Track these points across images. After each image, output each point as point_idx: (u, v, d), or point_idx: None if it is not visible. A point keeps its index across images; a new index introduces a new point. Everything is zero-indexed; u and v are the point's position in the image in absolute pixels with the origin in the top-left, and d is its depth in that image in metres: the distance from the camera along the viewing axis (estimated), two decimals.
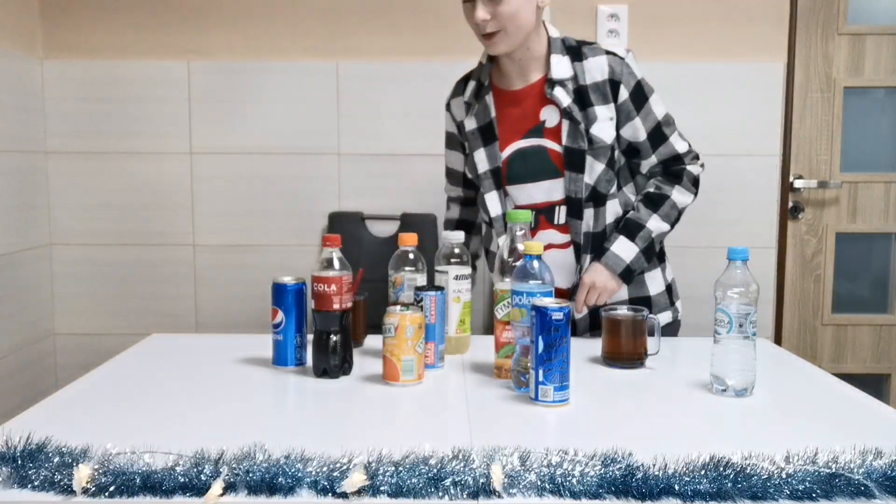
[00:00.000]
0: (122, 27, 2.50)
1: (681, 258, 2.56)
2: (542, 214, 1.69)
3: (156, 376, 1.40)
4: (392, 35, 2.49)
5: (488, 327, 1.77)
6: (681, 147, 1.73)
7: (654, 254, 1.72)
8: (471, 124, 1.74)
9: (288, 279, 1.43)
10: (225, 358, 1.51)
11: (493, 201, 1.72)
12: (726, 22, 2.49)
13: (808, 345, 2.66)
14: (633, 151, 1.72)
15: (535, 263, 1.32)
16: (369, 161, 2.52)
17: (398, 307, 1.34)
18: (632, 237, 1.68)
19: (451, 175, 1.89)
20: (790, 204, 2.60)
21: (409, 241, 1.54)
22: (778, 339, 2.60)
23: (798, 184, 2.59)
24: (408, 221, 2.48)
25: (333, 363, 1.36)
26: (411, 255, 1.53)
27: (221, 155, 2.52)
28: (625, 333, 1.47)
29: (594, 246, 1.69)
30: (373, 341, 1.59)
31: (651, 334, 1.48)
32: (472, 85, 1.77)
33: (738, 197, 2.51)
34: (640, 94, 1.69)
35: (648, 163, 1.73)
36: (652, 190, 1.73)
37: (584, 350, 1.58)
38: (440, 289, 1.46)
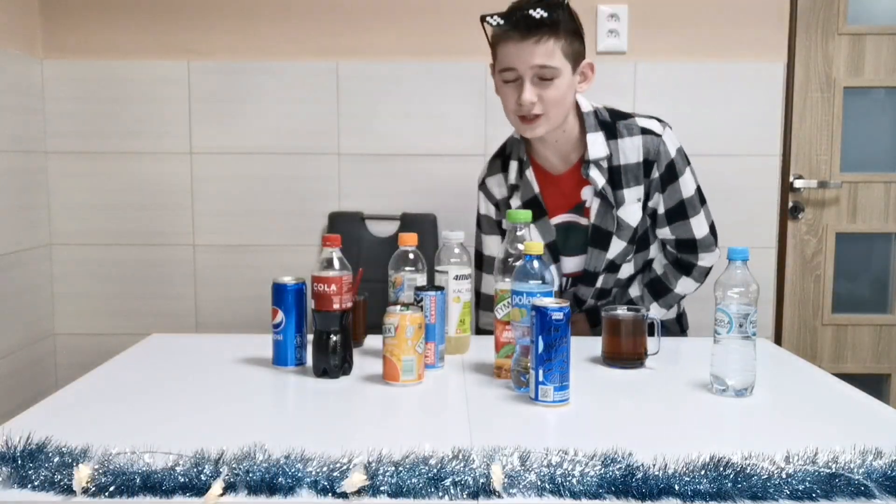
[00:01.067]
0: (122, 27, 2.50)
1: None
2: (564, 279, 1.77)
3: (156, 376, 1.40)
4: (392, 35, 2.49)
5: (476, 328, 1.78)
6: (699, 232, 1.73)
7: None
8: (515, 202, 1.75)
9: (288, 279, 1.43)
10: (225, 358, 1.50)
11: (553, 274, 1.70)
12: (726, 22, 2.49)
13: (808, 345, 2.66)
14: (652, 218, 1.74)
15: (535, 263, 1.32)
16: (369, 161, 2.52)
17: (398, 307, 1.34)
18: None
19: (487, 264, 1.80)
20: (790, 204, 2.60)
21: (409, 241, 1.54)
22: (778, 339, 2.60)
23: (798, 184, 2.59)
24: (408, 221, 2.48)
25: (333, 363, 1.36)
26: (411, 255, 1.53)
27: (221, 155, 2.52)
28: (625, 333, 1.47)
29: (601, 291, 1.76)
30: (373, 341, 1.59)
31: (651, 334, 1.48)
32: (514, 165, 1.75)
33: (738, 197, 2.51)
34: (672, 173, 1.69)
35: (663, 233, 1.75)
36: (659, 276, 1.78)
37: (584, 350, 1.58)
38: (440, 289, 1.46)
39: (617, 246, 1.69)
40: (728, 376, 1.29)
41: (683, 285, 1.78)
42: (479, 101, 2.49)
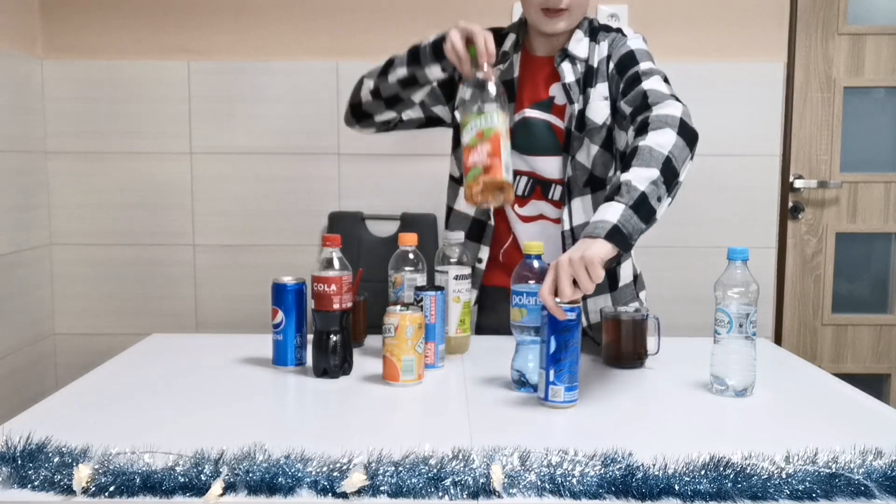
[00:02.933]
0: (122, 27, 2.50)
1: (680, 258, 2.56)
2: (539, 185, 1.66)
3: (156, 376, 1.40)
4: (392, 35, 2.49)
5: (476, 328, 1.75)
6: (653, 88, 1.51)
7: (653, 211, 1.30)
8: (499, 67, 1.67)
9: (288, 279, 1.43)
10: (225, 358, 1.51)
11: (548, 167, 1.64)
12: (726, 22, 2.49)
13: (808, 345, 2.66)
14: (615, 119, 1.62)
15: (535, 263, 1.31)
16: (369, 161, 2.52)
17: (398, 307, 1.34)
18: (611, 198, 1.30)
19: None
20: (790, 204, 2.60)
21: (409, 241, 1.54)
22: (778, 339, 2.61)
23: (798, 184, 2.59)
24: (408, 221, 2.48)
25: (333, 363, 1.36)
26: (411, 255, 1.53)
27: (221, 155, 2.52)
28: (625, 333, 1.47)
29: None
30: (373, 341, 1.59)
31: (651, 334, 1.48)
32: (511, 38, 1.70)
33: (738, 197, 2.51)
34: (629, 57, 1.59)
35: (623, 111, 1.56)
36: (627, 154, 1.42)
37: (584, 350, 1.58)
38: (440, 289, 1.46)
39: (590, 149, 1.60)
40: (728, 376, 1.29)
41: (652, 137, 1.38)
42: None
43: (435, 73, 1.56)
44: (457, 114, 1.46)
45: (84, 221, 2.54)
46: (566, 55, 1.63)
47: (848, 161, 2.62)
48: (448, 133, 2.68)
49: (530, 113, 1.66)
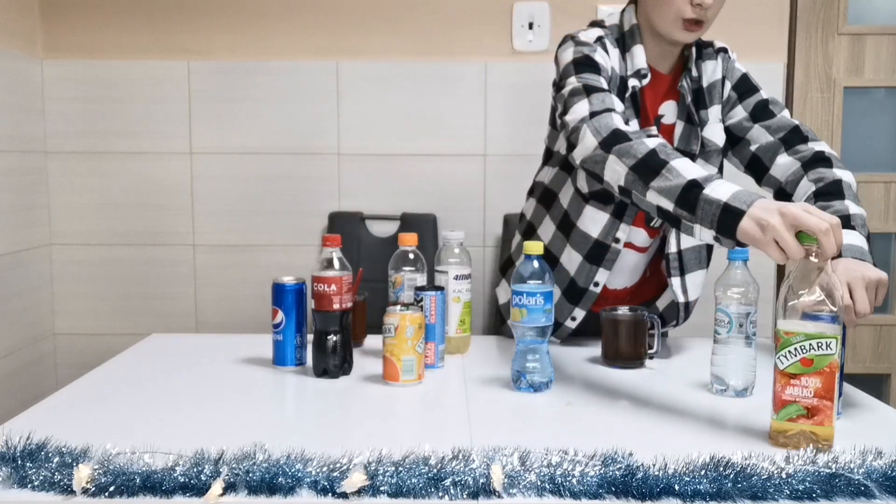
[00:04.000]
0: (122, 27, 2.50)
1: None
2: (643, 211, 1.41)
3: (156, 376, 1.40)
4: (392, 35, 2.49)
5: (488, 327, 1.76)
6: (798, 121, 1.60)
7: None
8: (630, 89, 1.53)
9: (288, 279, 1.43)
10: (225, 358, 1.51)
11: None
12: (726, 22, 2.49)
13: None
14: (733, 141, 1.60)
15: (535, 263, 1.31)
16: (369, 161, 2.52)
17: (398, 307, 1.34)
18: (848, 226, 1.40)
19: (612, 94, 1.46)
20: None
21: (409, 241, 1.54)
22: None
23: None
24: (408, 221, 2.48)
25: (333, 363, 1.36)
26: (411, 255, 1.53)
27: (221, 155, 2.52)
28: (625, 333, 1.47)
29: (708, 258, 1.60)
30: (373, 341, 1.59)
31: (651, 334, 1.48)
32: (640, 51, 1.53)
33: None
34: (747, 81, 1.62)
35: (766, 147, 1.56)
36: (816, 183, 1.49)
37: (584, 350, 1.58)
38: (440, 289, 1.46)
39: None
40: (728, 376, 1.29)
41: (841, 173, 1.49)
42: (479, 101, 2.49)
43: (706, 237, 1.20)
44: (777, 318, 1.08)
45: (84, 221, 2.54)
46: (687, 73, 1.56)
47: (848, 161, 2.62)
48: (448, 134, 2.68)
49: (651, 132, 1.54)
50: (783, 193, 1.56)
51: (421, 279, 1.52)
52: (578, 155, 1.37)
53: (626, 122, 1.38)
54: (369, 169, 2.53)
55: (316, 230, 2.54)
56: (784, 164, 1.56)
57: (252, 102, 2.50)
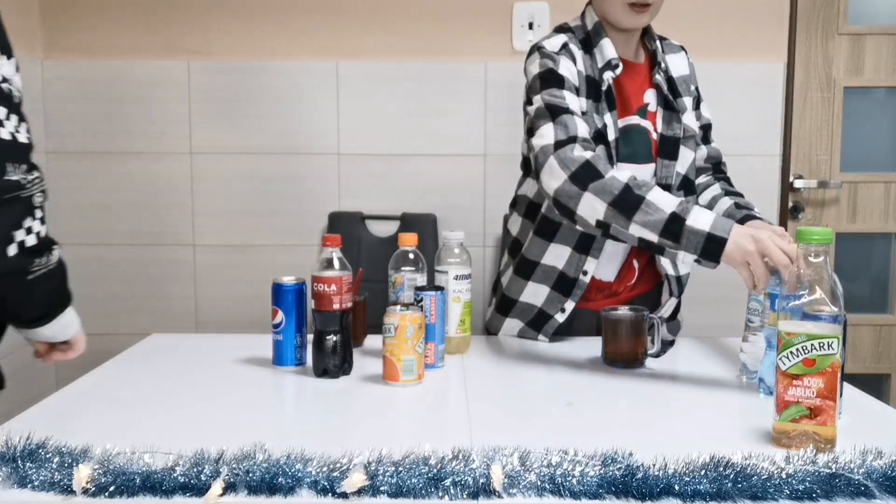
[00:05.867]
0: (122, 27, 2.50)
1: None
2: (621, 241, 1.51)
3: (156, 376, 1.40)
4: (392, 35, 2.49)
5: (491, 322, 1.76)
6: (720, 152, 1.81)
7: None
8: (605, 84, 1.58)
9: (288, 279, 1.43)
10: (225, 358, 1.50)
11: (644, 173, 1.60)
12: (726, 22, 2.49)
13: None
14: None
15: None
16: (369, 161, 2.52)
17: (398, 307, 1.34)
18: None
19: (579, 116, 1.51)
20: (790, 204, 2.60)
21: (409, 241, 1.54)
22: None
23: (798, 184, 2.59)
24: (408, 221, 2.48)
25: (333, 363, 1.36)
26: (411, 255, 1.53)
27: (221, 155, 2.52)
28: (625, 333, 1.47)
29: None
30: (373, 341, 1.59)
31: (651, 334, 1.48)
32: (608, 43, 1.59)
33: None
34: (698, 91, 1.76)
35: (701, 152, 1.75)
36: (733, 191, 1.75)
37: (584, 350, 1.58)
38: (440, 289, 1.46)
39: (686, 156, 1.64)
40: (758, 364, 1.29)
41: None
42: (479, 101, 2.49)
43: (688, 260, 1.45)
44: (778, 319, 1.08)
45: (84, 221, 2.54)
46: (657, 65, 1.65)
47: (848, 161, 2.62)
48: (448, 134, 2.68)
49: (636, 120, 1.62)
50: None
51: (421, 279, 1.52)
52: (548, 187, 1.44)
53: (587, 150, 1.45)
54: (369, 169, 2.52)
55: (316, 230, 2.54)
56: (703, 182, 1.78)
57: (252, 102, 2.50)
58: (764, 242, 1.24)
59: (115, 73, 2.50)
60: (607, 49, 1.59)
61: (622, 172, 1.41)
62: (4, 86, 1.19)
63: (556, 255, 1.63)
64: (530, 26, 2.45)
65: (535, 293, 1.66)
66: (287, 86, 2.50)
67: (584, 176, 1.39)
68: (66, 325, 1.30)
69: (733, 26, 2.49)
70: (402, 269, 1.52)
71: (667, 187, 1.61)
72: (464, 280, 1.53)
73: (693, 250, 1.30)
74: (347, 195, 2.53)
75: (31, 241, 1.13)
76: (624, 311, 1.49)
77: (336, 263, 1.37)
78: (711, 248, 1.28)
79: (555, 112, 1.49)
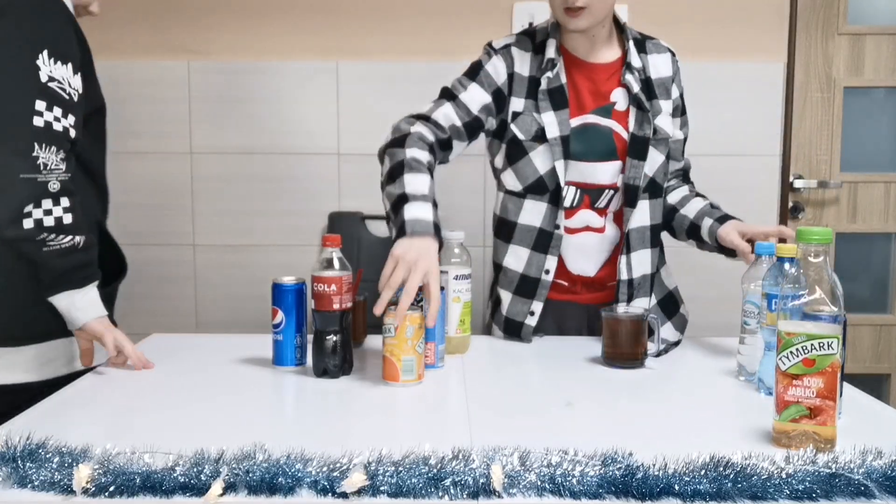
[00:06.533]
0: (122, 27, 2.50)
1: (681, 258, 2.55)
2: (588, 195, 1.64)
3: (156, 376, 1.40)
4: (392, 35, 2.49)
5: (489, 328, 1.76)
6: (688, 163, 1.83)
7: None
8: (543, 83, 1.63)
9: (288, 279, 1.43)
10: (225, 358, 1.50)
11: (560, 170, 1.61)
12: (726, 22, 2.49)
13: None
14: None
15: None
16: (369, 161, 2.50)
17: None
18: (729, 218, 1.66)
19: (459, 106, 1.64)
20: (790, 204, 2.60)
21: None
22: None
23: (798, 184, 2.59)
24: None
25: (333, 363, 1.36)
26: None
27: (221, 155, 2.52)
28: (625, 333, 1.47)
29: (652, 239, 1.69)
30: (373, 341, 1.59)
31: (651, 334, 1.48)
32: (552, 43, 1.64)
33: (738, 197, 2.50)
34: (683, 100, 1.75)
35: (674, 164, 1.75)
36: (702, 194, 1.78)
37: (584, 350, 1.58)
38: (440, 289, 1.46)
39: (655, 158, 1.64)
40: (755, 365, 1.30)
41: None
42: None
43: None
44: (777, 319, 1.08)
45: None
46: (629, 67, 1.65)
47: (848, 161, 2.62)
48: None
49: (593, 118, 1.64)
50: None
51: None
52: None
53: (441, 131, 1.62)
54: (369, 169, 2.51)
55: (316, 230, 2.54)
56: (672, 185, 1.79)
57: (252, 102, 2.50)
58: (413, 272, 1.33)
59: (115, 73, 2.50)
60: (549, 49, 1.64)
61: (417, 151, 1.53)
62: (52, 85, 1.41)
63: (517, 257, 1.66)
64: (530, 26, 2.45)
65: (504, 300, 1.69)
66: (287, 86, 2.50)
67: (393, 142, 1.57)
68: (78, 307, 1.43)
69: (733, 26, 2.49)
70: None
71: (634, 188, 1.63)
72: (464, 280, 1.53)
73: (393, 232, 1.44)
74: (347, 195, 2.53)
75: (48, 221, 1.36)
76: (624, 311, 1.49)
77: (336, 263, 1.37)
78: (397, 235, 1.42)
79: (446, 95, 1.67)
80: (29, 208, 1.34)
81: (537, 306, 1.64)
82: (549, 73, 1.63)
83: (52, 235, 1.37)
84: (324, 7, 2.49)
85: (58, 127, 1.40)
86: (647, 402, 1.29)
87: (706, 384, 1.34)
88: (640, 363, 1.47)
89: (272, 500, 0.89)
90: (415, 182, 1.48)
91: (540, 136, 1.61)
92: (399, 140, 1.57)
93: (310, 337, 1.43)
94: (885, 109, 2.64)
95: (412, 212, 1.43)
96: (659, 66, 1.69)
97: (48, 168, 1.37)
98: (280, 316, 1.42)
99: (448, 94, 1.66)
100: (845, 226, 2.64)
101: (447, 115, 1.63)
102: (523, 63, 1.65)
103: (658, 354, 1.48)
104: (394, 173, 1.51)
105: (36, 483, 0.91)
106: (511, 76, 1.65)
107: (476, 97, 1.64)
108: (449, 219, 2.48)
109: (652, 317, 1.48)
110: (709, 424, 1.17)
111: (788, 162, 2.54)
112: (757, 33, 2.49)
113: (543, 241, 1.63)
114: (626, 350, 1.47)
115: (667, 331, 1.70)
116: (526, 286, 1.65)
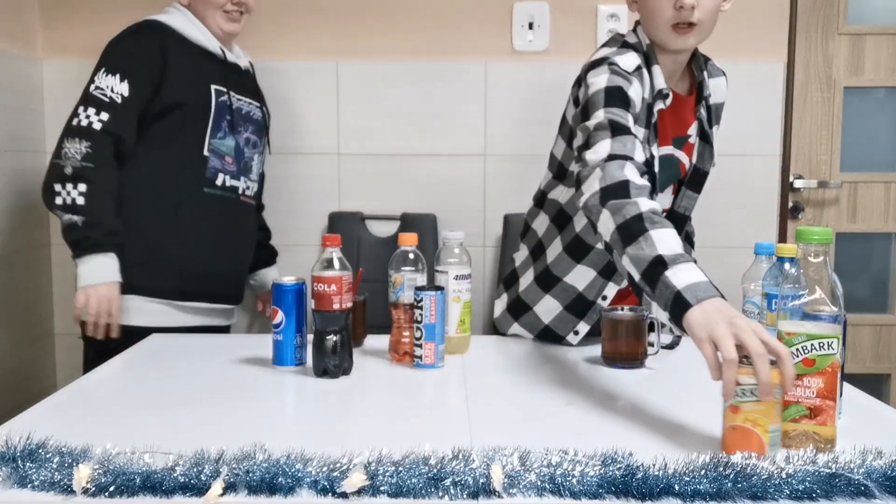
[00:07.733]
0: (123, 27, 2.50)
1: None
2: None
3: (156, 376, 1.40)
4: (392, 35, 2.49)
5: (488, 327, 1.76)
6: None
7: None
8: (655, 115, 1.53)
9: (288, 279, 1.43)
10: (225, 358, 1.51)
11: (664, 202, 1.58)
12: (726, 22, 2.48)
13: None
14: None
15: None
16: (369, 161, 2.52)
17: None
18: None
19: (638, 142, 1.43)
20: (790, 204, 2.60)
21: (409, 241, 1.54)
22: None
23: (798, 184, 2.59)
24: (408, 221, 2.48)
25: (333, 363, 1.36)
26: (411, 255, 1.53)
27: None
28: (625, 333, 1.47)
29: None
30: (373, 341, 1.59)
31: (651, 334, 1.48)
32: (658, 71, 1.52)
33: (739, 196, 2.51)
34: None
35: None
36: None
37: (584, 350, 1.58)
38: (440, 289, 1.46)
39: (703, 185, 1.64)
40: None
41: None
42: (479, 101, 2.49)
43: (661, 317, 1.41)
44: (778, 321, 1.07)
45: None
46: (704, 100, 1.61)
47: (848, 161, 2.62)
48: (448, 134, 2.68)
49: (671, 150, 1.61)
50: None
51: (421, 279, 1.52)
52: (581, 197, 1.36)
53: (642, 175, 1.35)
54: (369, 169, 2.52)
55: (316, 230, 2.54)
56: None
57: None
58: (740, 328, 1.03)
59: None
60: (658, 78, 1.51)
61: (649, 202, 1.27)
62: (96, 92, 1.89)
63: (580, 276, 1.61)
64: (530, 26, 2.45)
65: (548, 309, 1.64)
66: (287, 86, 2.50)
67: (612, 193, 1.29)
68: (80, 273, 1.84)
69: (733, 26, 2.49)
70: (402, 269, 1.52)
71: (684, 218, 1.63)
72: (464, 280, 1.53)
73: (663, 305, 1.15)
74: (347, 195, 2.53)
75: (58, 200, 1.81)
76: (624, 311, 1.49)
77: (336, 263, 1.37)
78: (676, 310, 1.12)
79: (616, 129, 1.39)
80: (58, 187, 1.80)
81: (583, 328, 1.62)
82: (661, 105, 1.53)
83: (62, 213, 1.80)
84: (324, 7, 2.49)
85: (84, 123, 1.85)
86: (647, 402, 1.29)
87: (706, 384, 1.34)
88: (640, 363, 1.47)
89: (272, 500, 0.89)
90: (666, 238, 1.21)
91: (646, 167, 1.47)
92: (622, 189, 1.30)
93: (310, 337, 1.43)
94: (885, 109, 2.64)
95: (680, 277, 1.14)
96: (717, 92, 1.65)
97: (67, 156, 1.81)
98: (280, 316, 1.42)
99: (623, 129, 1.40)
100: (845, 226, 2.64)
101: (641, 153, 1.41)
102: (645, 90, 1.51)
103: (668, 347, 1.48)
104: (631, 230, 1.23)
105: (36, 483, 0.91)
106: (642, 102, 1.51)
107: (636, 130, 1.47)
108: (449, 219, 2.49)
109: (652, 317, 1.48)
110: (709, 424, 1.17)
111: (788, 162, 2.54)
112: (757, 33, 2.49)
113: (612, 267, 1.58)
114: (626, 350, 1.47)
115: (668, 331, 1.70)
116: (579, 306, 1.62)
